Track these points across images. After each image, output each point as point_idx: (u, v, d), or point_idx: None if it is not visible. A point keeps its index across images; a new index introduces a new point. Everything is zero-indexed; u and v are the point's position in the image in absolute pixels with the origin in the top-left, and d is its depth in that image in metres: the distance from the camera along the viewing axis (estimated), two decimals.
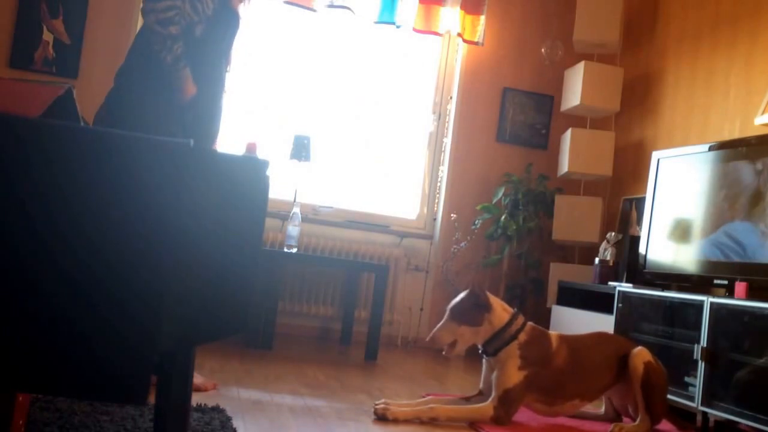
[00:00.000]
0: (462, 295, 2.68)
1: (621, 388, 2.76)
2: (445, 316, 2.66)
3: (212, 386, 2.66)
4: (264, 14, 4.80)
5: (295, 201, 4.37)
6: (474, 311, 2.63)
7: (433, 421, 2.52)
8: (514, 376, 2.57)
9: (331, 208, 4.82)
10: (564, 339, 2.70)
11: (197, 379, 2.67)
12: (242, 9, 2.79)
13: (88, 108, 2.09)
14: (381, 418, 2.49)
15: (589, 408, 2.82)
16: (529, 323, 2.68)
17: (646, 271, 3.72)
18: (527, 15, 5.13)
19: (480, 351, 2.70)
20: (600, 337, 2.84)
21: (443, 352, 2.71)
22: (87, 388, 1.34)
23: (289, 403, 2.59)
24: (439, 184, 5.08)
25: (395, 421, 2.48)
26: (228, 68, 2.79)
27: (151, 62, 2.53)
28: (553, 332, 2.72)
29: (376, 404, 2.55)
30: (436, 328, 2.66)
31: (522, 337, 2.62)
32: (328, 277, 4.71)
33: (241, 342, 3.90)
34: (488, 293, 2.68)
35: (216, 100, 2.73)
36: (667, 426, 2.79)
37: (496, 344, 2.62)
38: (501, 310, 2.66)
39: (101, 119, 2.52)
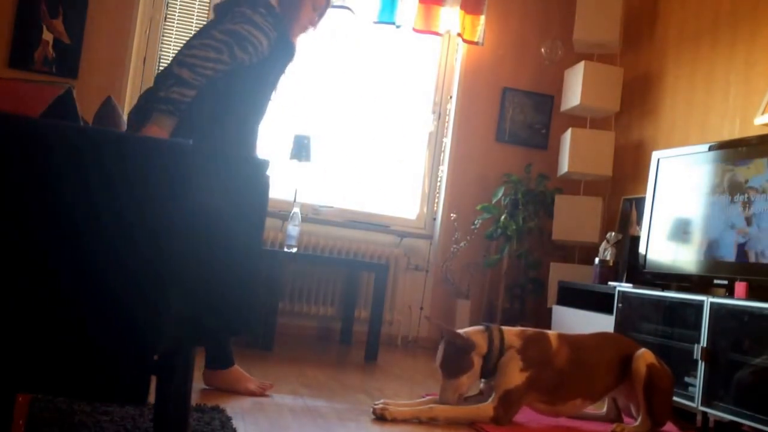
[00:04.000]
0: (441, 348, 2.62)
1: (626, 389, 2.74)
2: (441, 376, 2.61)
3: (269, 386, 2.71)
4: None
5: (295, 201, 4.37)
6: (461, 358, 2.58)
7: (432, 421, 2.51)
8: (516, 377, 2.56)
9: (331, 207, 4.82)
10: (564, 338, 2.69)
11: (251, 384, 2.67)
12: (300, 39, 2.68)
13: (87, 108, 2.08)
14: (379, 418, 2.48)
15: (590, 408, 2.81)
16: (504, 328, 2.65)
17: (646, 271, 3.72)
18: (527, 15, 5.13)
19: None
20: (603, 337, 2.83)
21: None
22: (87, 388, 1.34)
23: (289, 404, 2.59)
24: (438, 183, 5.08)
25: (394, 421, 2.48)
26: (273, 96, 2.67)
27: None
28: (551, 332, 2.71)
29: (375, 404, 2.55)
30: (440, 392, 2.61)
31: (516, 343, 2.60)
32: (328, 277, 4.70)
33: (242, 342, 3.89)
34: (459, 331, 2.61)
35: (255, 130, 2.61)
36: (667, 426, 2.79)
37: (490, 366, 2.60)
38: (479, 338, 2.61)
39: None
